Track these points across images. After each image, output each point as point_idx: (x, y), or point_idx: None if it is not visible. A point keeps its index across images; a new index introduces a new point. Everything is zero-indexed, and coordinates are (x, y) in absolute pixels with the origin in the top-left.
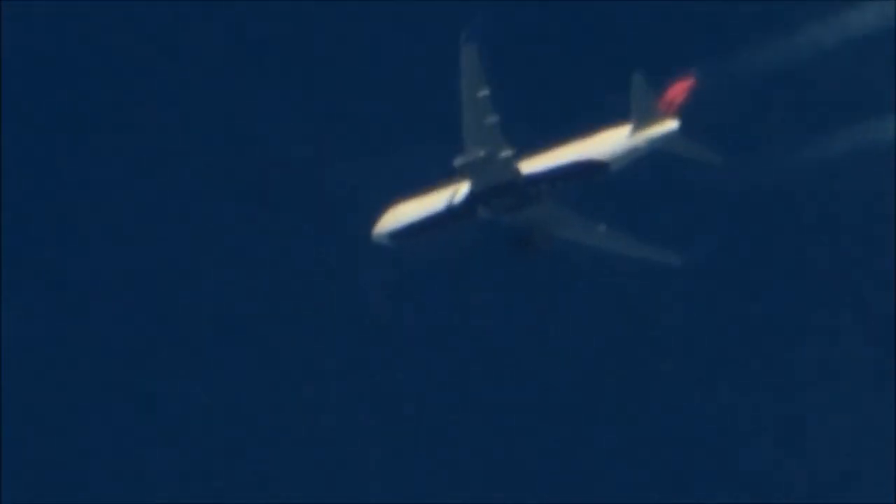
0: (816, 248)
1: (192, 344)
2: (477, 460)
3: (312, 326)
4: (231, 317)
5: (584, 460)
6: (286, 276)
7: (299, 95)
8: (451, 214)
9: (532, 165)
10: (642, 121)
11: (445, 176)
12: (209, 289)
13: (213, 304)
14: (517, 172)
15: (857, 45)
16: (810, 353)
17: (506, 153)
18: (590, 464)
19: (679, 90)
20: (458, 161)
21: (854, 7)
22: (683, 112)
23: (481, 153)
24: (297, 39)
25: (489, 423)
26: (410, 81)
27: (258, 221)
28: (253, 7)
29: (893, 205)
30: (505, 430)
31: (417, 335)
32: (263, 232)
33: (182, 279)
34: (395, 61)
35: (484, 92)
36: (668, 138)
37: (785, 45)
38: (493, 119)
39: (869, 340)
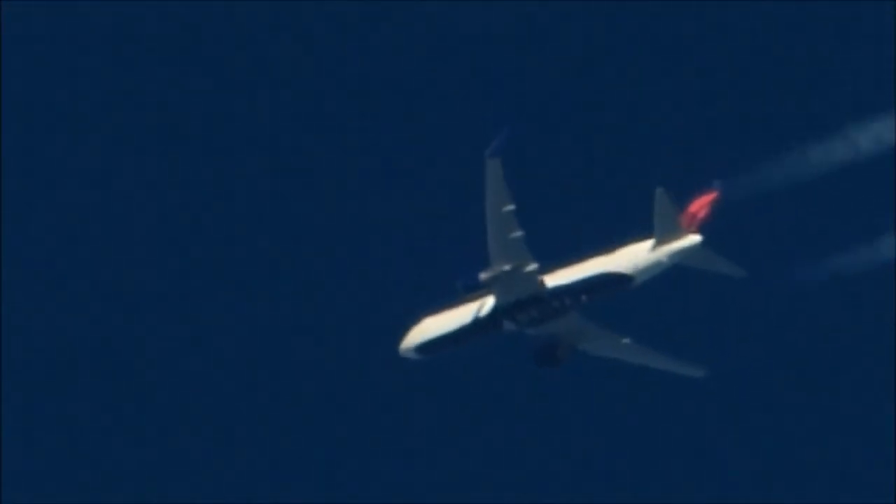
0: (839, 363)
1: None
2: None
3: (340, 436)
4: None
5: None
6: (315, 385)
7: (327, 205)
8: (476, 328)
9: (556, 279)
10: (665, 235)
11: (455, 296)
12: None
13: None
14: (542, 286)
15: (879, 156)
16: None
17: (531, 267)
18: None
19: (702, 204)
20: (484, 275)
21: (878, 119)
22: (707, 226)
23: (507, 267)
24: (324, 150)
25: None
26: (435, 196)
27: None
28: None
29: None
30: None
31: (444, 447)
32: (291, 338)
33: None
34: (418, 175)
35: (508, 207)
36: (691, 252)
37: (808, 158)
38: (517, 233)
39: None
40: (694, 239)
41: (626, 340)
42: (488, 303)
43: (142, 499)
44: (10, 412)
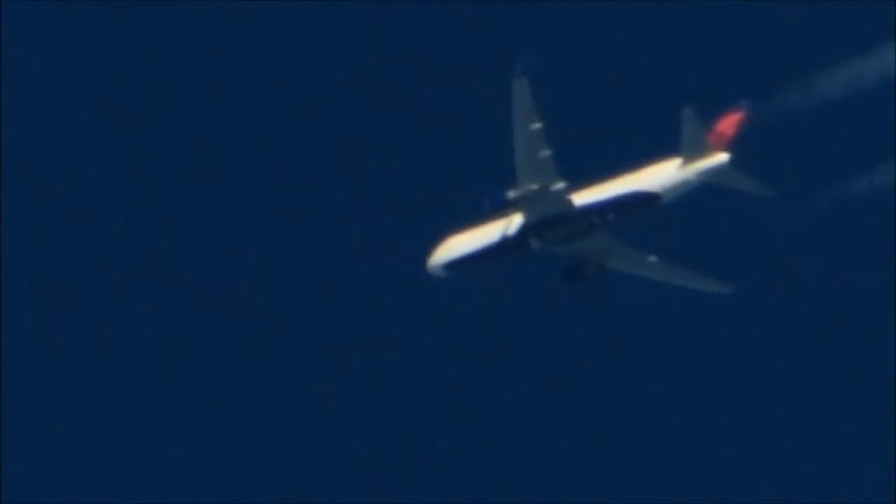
0: (867, 280)
1: (201, 351)
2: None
3: (366, 352)
4: (256, 336)
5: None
6: (339, 303)
7: (353, 127)
8: (504, 246)
9: (584, 198)
10: (693, 154)
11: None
12: (223, 298)
13: (231, 316)
14: (570, 205)
15: None
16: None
17: (558, 186)
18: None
19: (730, 123)
20: (512, 194)
21: None
22: (735, 145)
23: (534, 186)
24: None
25: (540, 452)
26: (464, 115)
27: (300, 248)
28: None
29: None
30: (554, 457)
31: (473, 365)
32: (312, 260)
33: (192, 285)
34: (448, 95)
35: (536, 125)
36: (719, 171)
37: (833, 79)
38: (545, 152)
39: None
40: (721, 157)
41: (652, 258)
42: (516, 221)
43: (142, 499)
44: (10, 412)
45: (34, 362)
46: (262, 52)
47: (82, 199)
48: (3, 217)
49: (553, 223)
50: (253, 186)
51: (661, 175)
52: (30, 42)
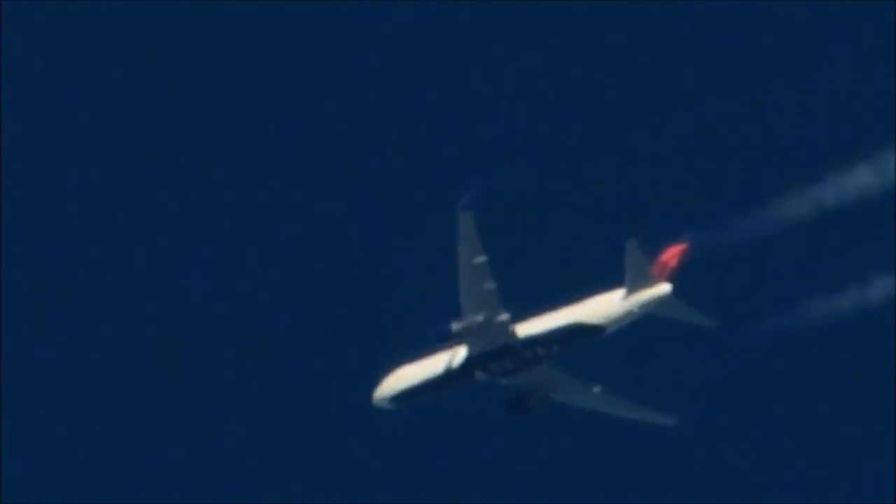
0: (806, 409)
1: (201, 351)
2: None
3: (316, 487)
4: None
5: None
6: (287, 438)
7: (306, 260)
8: (449, 378)
9: (528, 329)
10: (636, 285)
11: (428, 345)
12: (223, 298)
13: (231, 316)
14: (514, 336)
15: (850, 209)
16: None
17: (503, 317)
18: None
19: (672, 255)
20: (456, 325)
21: (847, 170)
22: (676, 277)
23: (479, 317)
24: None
25: None
26: (408, 250)
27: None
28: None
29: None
30: None
31: (419, 495)
32: (264, 384)
33: (191, 285)
34: (393, 231)
35: (481, 258)
36: (661, 302)
37: (774, 210)
38: (489, 285)
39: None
40: (664, 288)
41: (596, 389)
42: (460, 353)
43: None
44: (11, 412)
45: (34, 362)
46: (261, 52)
47: (82, 199)
48: (3, 217)
49: (498, 355)
50: (251, 187)
51: (604, 306)
52: (30, 42)
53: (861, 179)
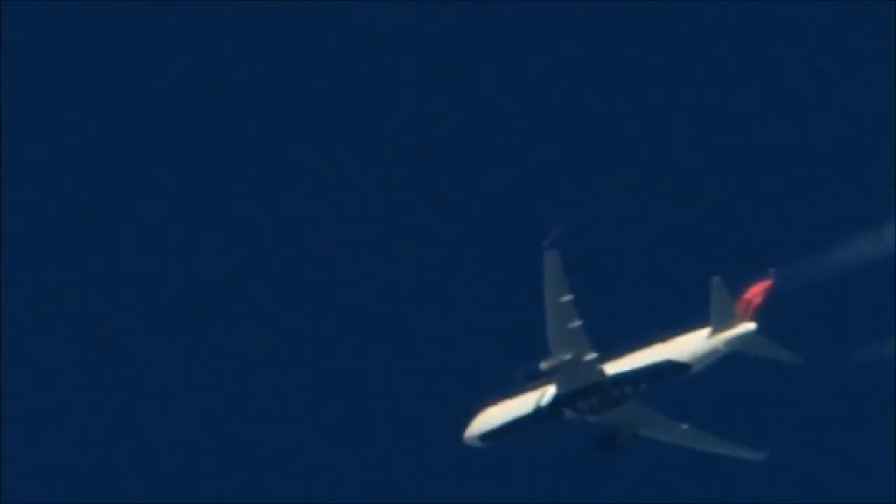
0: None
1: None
2: None
3: None
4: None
5: None
6: (378, 467)
7: (394, 289)
8: (538, 417)
9: (616, 367)
10: (721, 323)
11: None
12: (223, 298)
13: (230, 316)
14: (602, 375)
15: None
16: None
17: (590, 356)
18: None
19: (757, 292)
20: (544, 365)
21: None
22: (762, 314)
23: (566, 357)
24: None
25: None
26: (496, 285)
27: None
28: None
29: None
30: None
31: None
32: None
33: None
34: (477, 267)
35: (567, 297)
36: (746, 340)
37: (861, 246)
38: (576, 323)
39: None
40: (749, 326)
41: (685, 426)
42: (549, 392)
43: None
44: (11, 412)
45: (34, 362)
46: (262, 52)
47: (82, 199)
48: (3, 217)
49: (586, 393)
50: (259, 188)
51: (690, 344)
52: (30, 42)
53: None
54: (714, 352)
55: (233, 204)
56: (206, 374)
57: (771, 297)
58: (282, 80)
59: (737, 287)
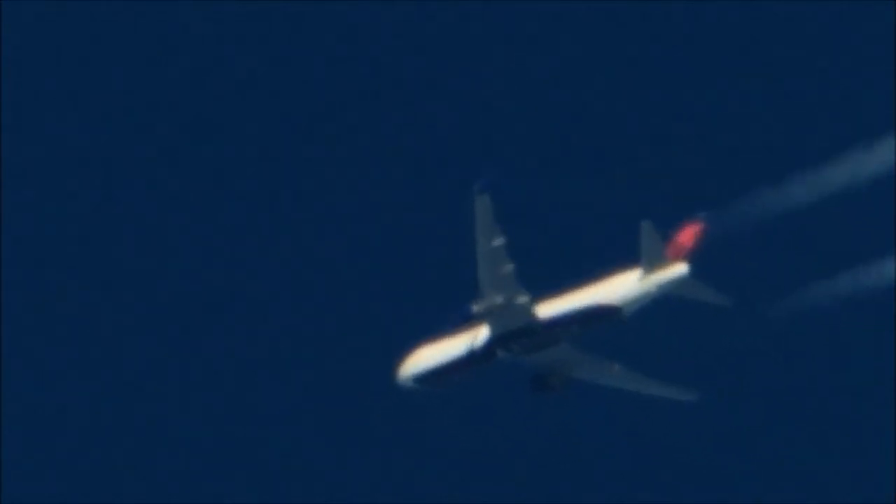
0: (821, 390)
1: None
2: None
3: (338, 464)
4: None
5: None
6: (310, 412)
7: (321, 240)
8: (471, 358)
9: (548, 310)
10: (652, 265)
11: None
12: (222, 298)
13: (229, 316)
14: (534, 317)
15: (864, 186)
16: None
17: (522, 299)
18: None
19: (688, 235)
20: (477, 307)
21: (862, 148)
22: (694, 257)
23: (498, 300)
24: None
25: None
26: (428, 230)
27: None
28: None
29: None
30: None
31: (443, 473)
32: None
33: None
34: (411, 210)
35: (499, 241)
36: (678, 282)
37: (794, 188)
38: (508, 267)
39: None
40: (681, 268)
41: (616, 367)
42: (482, 333)
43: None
44: (11, 412)
45: (34, 362)
46: (262, 53)
47: (82, 199)
48: (3, 217)
49: (518, 335)
50: (257, 182)
51: (621, 287)
52: (30, 42)
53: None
54: (645, 294)
55: (233, 204)
56: (205, 373)
57: (704, 240)
58: (281, 81)
59: (668, 229)
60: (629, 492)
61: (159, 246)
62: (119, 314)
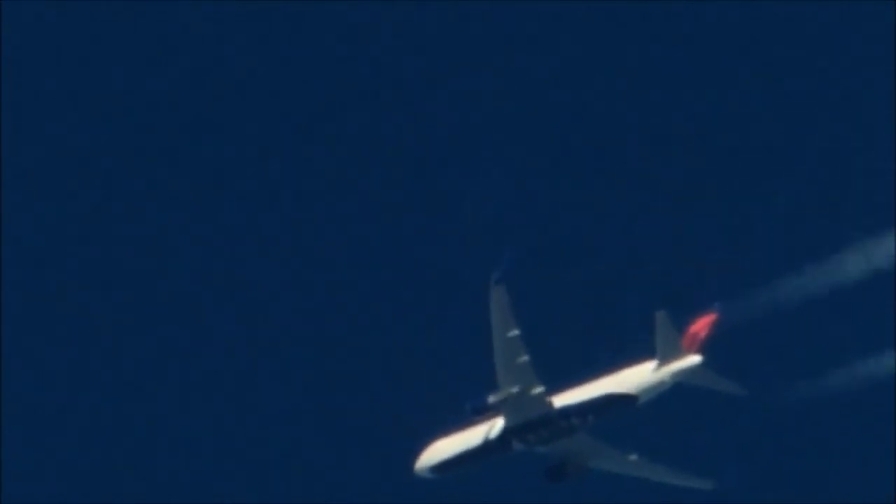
0: (834, 475)
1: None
2: None
3: None
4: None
5: None
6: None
7: (340, 330)
8: (487, 448)
9: (563, 400)
10: (667, 356)
11: (466, 418)
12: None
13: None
14: (550, 407)
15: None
16: None
17: (538, 389)
18: None
19: (702, 325)
20: (493, 398)
21: (874, 239)
22: (708, 347)
23: (514, 390)
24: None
25: None
26: (442, 321)
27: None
28: None
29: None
30: None
31: None
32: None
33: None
34: (423, 301)
35: (514, 332)
36: (692, 372)
37: (805, 280)
38: (524, 357)
39: None
40: (694, 359)
41: (633, 457)
42: (498, 424)
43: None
44: (11, 413)
45: (34, 362)
46: (262, 52)
47: (82, 199)
48: (3, 217)
49: (534, 425)
50: (251, 188)
51: (636, 377)
52: (30, 42)
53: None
54: (660, 384)
55: (232, 204)
56: (205, 373)
57: (717, 330)
58: (282, 80)
59: (683, 321)
60: None
61: (159, 246)
62: (119, 314)
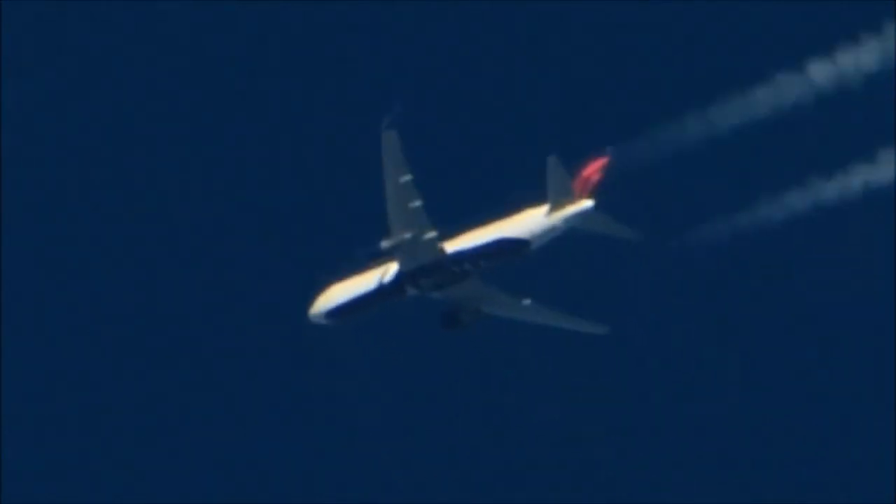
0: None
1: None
2: None
3: (253, 402)
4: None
5: None
6: (223, 351)
7: (234, 177)
8: (381, 293)
9: (456, 245)
10: (558, 201)
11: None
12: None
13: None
14: (442, 253)
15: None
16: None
17: (430, 235)
18: None
19: (594, 169)
20: (385, 243)
21: (767, 83)
22: (603, 192)
23: (407, 235)
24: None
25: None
26: (338, 166)
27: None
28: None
29: None
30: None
31: (356, 408)
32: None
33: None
34: (320, 148)
35: (406, 177)
36: (584, 217)
37: (696, 123)
38: (416, 203)
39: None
40: (586, 203)
41: (526, 302)
42: (392, 269)
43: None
44: (11, 413)
45: (34, 362)
46: (261, 52)
47: (82, 198)
48: (3, 217)
49: (427, 270)
50: (251, 188)
51: (528, 222)
52: (30, 42)
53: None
54: (552, 229)
55: (232, 204)
56: (205, 373)
57: (611, 175)
58: (281, 80)
59: (574, 165)
60: (541, 424)
61: (159, 246)
62: (119, 314)
